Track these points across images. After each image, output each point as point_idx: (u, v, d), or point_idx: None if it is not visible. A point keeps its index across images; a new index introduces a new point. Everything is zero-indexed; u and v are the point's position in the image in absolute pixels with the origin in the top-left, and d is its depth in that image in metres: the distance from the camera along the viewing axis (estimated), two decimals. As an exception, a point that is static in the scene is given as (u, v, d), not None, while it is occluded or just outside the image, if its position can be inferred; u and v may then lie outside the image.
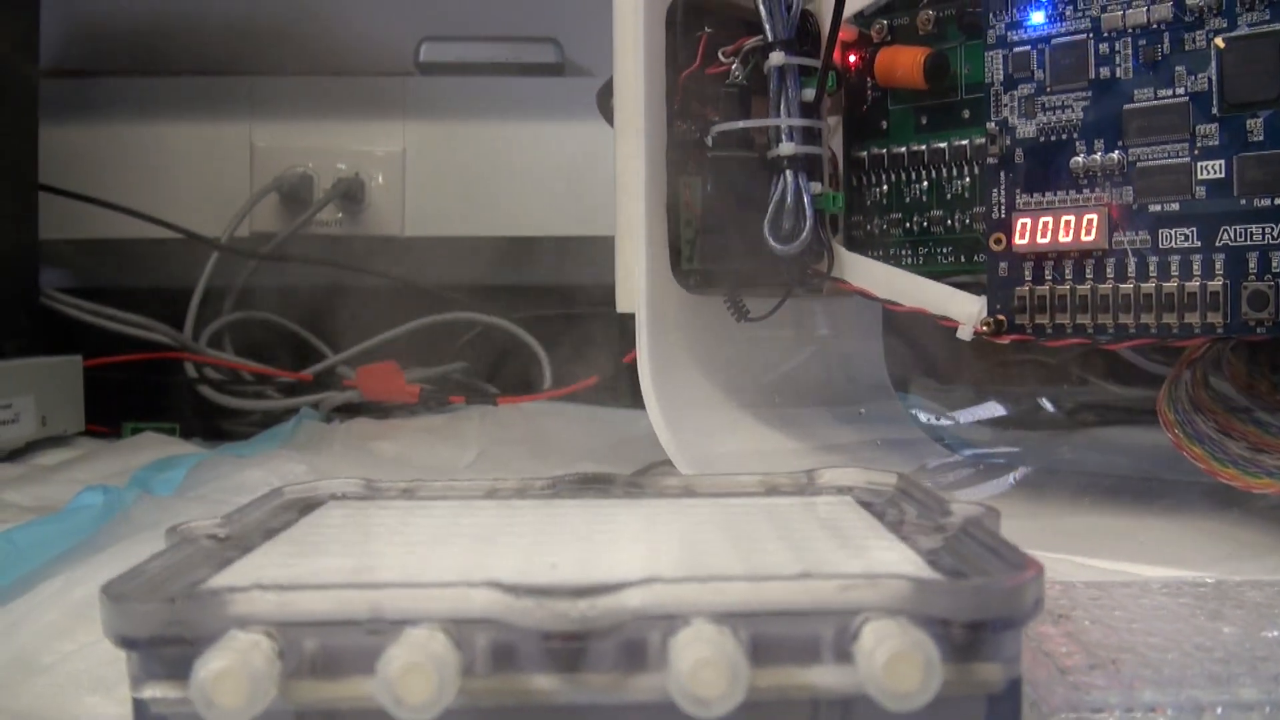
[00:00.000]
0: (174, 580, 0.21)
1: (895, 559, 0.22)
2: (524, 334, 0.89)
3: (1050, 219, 0.44)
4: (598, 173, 0.98)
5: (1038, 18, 0.45)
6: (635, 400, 0.80)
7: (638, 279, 0.52)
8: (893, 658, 0.17)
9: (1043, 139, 0.45)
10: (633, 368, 0.75)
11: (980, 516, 0.24)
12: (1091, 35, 0.43)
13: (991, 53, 0.46)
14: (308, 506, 0.29)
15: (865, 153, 0.53)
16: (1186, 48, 0.41)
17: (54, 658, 0.28)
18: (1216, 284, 0.40)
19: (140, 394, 0.78)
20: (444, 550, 0.23)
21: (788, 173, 0.50)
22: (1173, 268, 0.41)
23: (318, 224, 0.93)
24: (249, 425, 0.76)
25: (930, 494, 0.27)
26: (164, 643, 0.19)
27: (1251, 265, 0.39)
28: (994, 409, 0.76)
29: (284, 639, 0.19)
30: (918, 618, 0.18)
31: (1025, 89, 0.45)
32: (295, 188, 0.91)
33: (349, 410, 0.78)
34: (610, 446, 0.70)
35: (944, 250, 0.51)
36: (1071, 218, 0.44)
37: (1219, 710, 0.20)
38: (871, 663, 0.17)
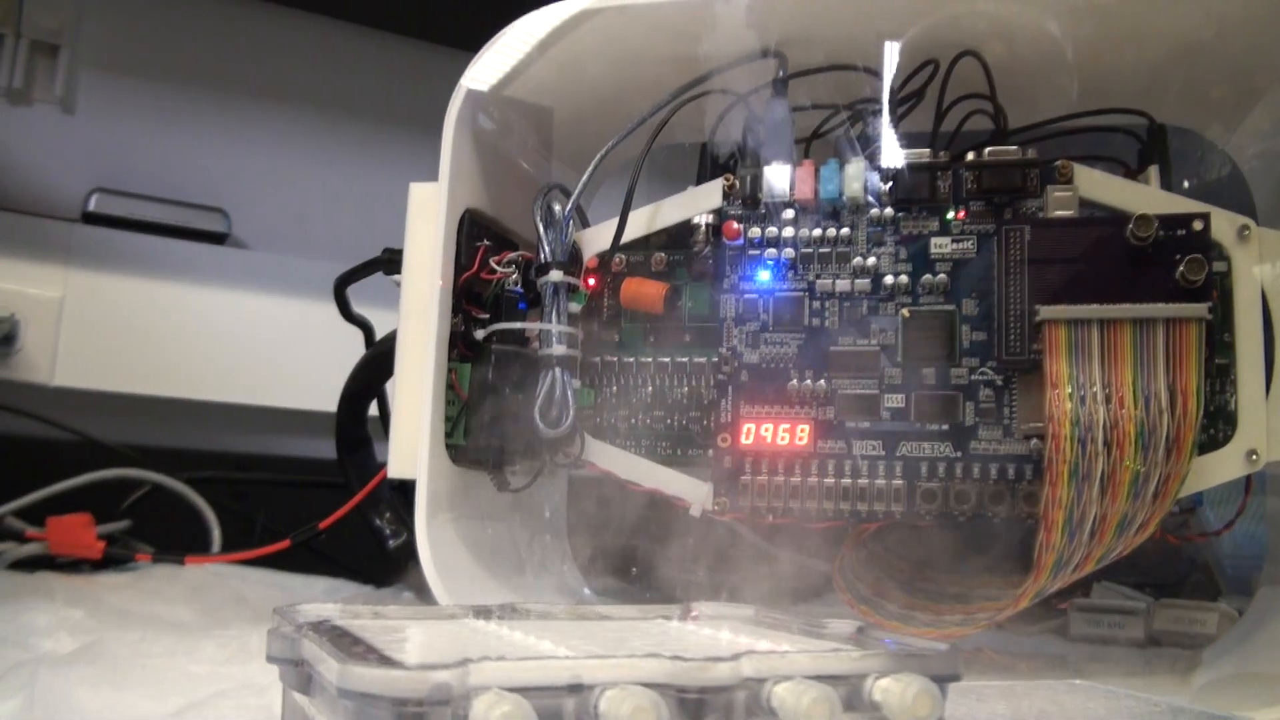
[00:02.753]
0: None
1: (854, 647, 0.32)
2: (192, 495, 0.89)
3: (770, 425, 0.58)
4: (255, 343, 1.02)
5: (764, 275, 0.60)
6: (313, 567, 0.84)
7: (419, 449, 0.59)
8: (917, 694, 0.28)
9: (764, 365, 0.59)
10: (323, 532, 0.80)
11: (861, 625, 0.35)
12: (807, 294, 0.59)
13: (725, 296, 0.60)
14: (316, 626, 0.34)
15: (600, 359, 0.65)
16: (880, 313, 0.57)
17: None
18: (898, 483, 0.55)
19: None
20: (511, 644, 0.31)
21: (556, 369, 0.60)
22: (863, 469, 0.56)
23: (-42, 363, 0.89)
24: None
25: (785, 614, 0.38)
26: (419, 703, 0.25)
27: (924, 471, 0.55)
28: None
29: (500, 700, 0.26)
30: (914, 673, 0.29)
31: (752, 326, 0.60)
32: (-52, 325, 0.87)
33: (30, 564, 0.75)
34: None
35: (663, 444, 0.64)
36: (787, 425, 0.58)
37: None
38: (903, 699, 0.28)
